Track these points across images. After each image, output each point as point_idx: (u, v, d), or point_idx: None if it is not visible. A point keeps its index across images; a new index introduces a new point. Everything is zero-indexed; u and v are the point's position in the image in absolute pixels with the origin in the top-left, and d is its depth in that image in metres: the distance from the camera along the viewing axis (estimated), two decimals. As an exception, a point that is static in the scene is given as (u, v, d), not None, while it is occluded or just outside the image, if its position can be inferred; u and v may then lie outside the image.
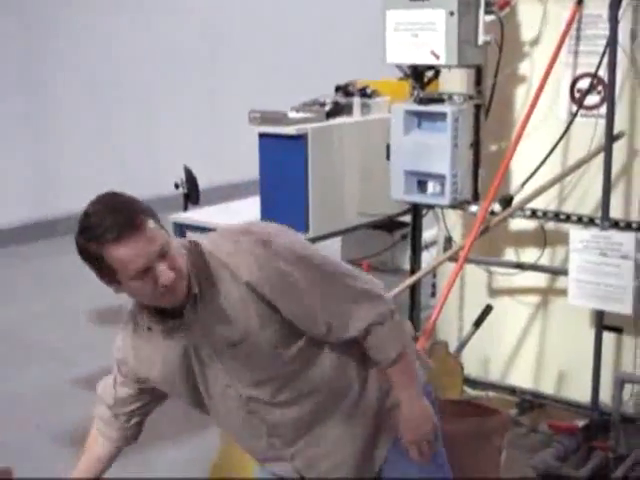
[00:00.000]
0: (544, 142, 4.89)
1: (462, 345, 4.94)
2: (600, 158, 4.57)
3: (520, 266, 5.14)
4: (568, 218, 4.85)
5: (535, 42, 5.04)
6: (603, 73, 4.64)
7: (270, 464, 2.90)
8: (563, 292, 4.75)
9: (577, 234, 4.56)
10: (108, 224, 2.34)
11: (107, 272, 2.40)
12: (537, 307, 5.27)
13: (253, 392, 2.68)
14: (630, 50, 4.67)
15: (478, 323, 4.85)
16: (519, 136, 4.75)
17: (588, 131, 4.74)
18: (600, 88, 4.75)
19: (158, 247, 2.39)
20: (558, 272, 4.99)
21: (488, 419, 4.00)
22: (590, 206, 4.81)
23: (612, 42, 4.48)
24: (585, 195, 4.88)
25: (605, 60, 4.56)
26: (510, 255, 5.31)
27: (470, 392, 5.39)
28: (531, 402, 5.25)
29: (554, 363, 5.23)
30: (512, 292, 5.34)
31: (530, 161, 4.90)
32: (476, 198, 5.11)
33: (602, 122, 4.57)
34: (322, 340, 2.68)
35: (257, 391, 2.68)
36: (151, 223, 2.39)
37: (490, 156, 5.18)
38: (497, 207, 4.88)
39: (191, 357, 2.64)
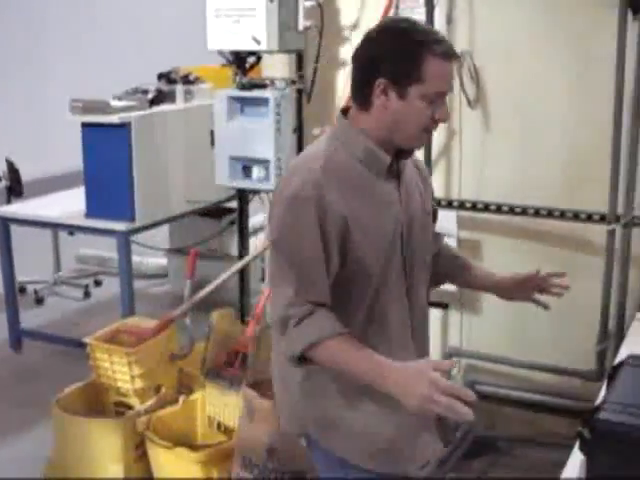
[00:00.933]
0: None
1: (292, 328, 4.98)
2: (421, 139, 4.69)
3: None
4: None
5: (355, 27, 5.11)
6: (420, 56, 4.74)
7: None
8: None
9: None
10: (446, 41, 2.38)
11: (411, 77, 2.34)
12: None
13: (417, 271, 2.61)
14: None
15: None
16: (341, 120, 4.81)
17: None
18: (418, 71, 4.86)
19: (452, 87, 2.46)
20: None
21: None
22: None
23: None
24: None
25: (421, 44, 4.66)
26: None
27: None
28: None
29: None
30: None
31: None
32: (301, 182, 5.15)
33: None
34: None
35: (419, 273, 2.63)
36: None
37: (314, 140, 5.21)
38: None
39: (402, 212, 2.53)
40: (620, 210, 4.39)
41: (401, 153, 2.49)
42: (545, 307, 2.78)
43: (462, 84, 4.70)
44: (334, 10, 5.13)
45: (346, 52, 5.15)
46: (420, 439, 2.59)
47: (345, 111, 2.52)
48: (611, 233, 4.38)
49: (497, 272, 2.91)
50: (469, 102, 4.72)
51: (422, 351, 2.65)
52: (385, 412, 2.47)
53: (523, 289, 2.81)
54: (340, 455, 2.52)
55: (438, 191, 4.70)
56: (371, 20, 4.83)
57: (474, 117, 4.77)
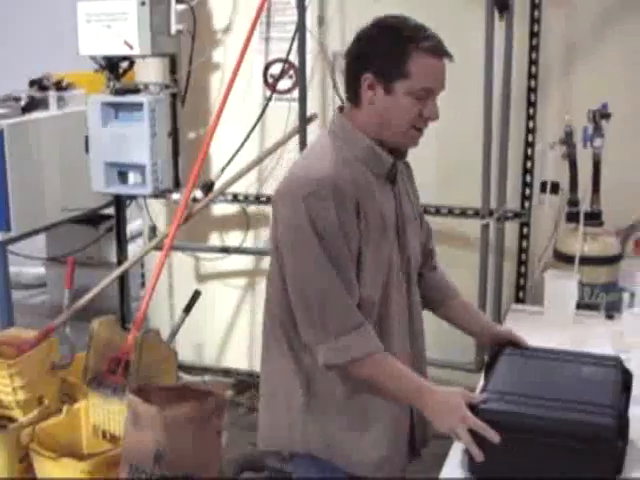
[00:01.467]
0: (241, 127, 5.00)
1: (174, 332, 4.97)
2: (296, 140, 4.72)
3: (225, 250, 5.24)
4: (269, 200, 4.98)
5: (227, 30, 5.13)
6: (294, 58, 4.78)
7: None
8: (269, 272, 4.88)
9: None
10: (436, 37, 2.40)
11: (396, 72, 2.33)
12: (245, 289, 5.39)
13: (413, 271, 2.62)
14: (318, 35, 4.84)
15: (188, 309, 4.88)
16: (216, 123, 4.82)
17: (283, 114, 4.89)
18: (292, 72, 4.91)
19: (444, 84, 2.42)
20: (263, 253, 5.11)
21: (205, 402, 4.05)
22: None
23: (301, 28, 4.62)
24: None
25: (295, 45, 4.70)
26: (215, 240, 5.40)
27: (186, 378, 5.44)
28: (247, 382, 5.38)
29: (266, 342, 5.35)
30: (220, 276, 5.43)
31: (229, 147, 5.00)
32: (177, 186, 5.16)
33: (295, 105, 4.71)
34: None
35: (414, 272, 2.64)
36: None
37: (189, 144, 5.24)
38: (199, 193, 4.94)
39: (399, 216, 2.54)
40: (493, 204, 4.50)
41: (397, 154, 2.48)
42: None
43: (335, 85, 4.75)
44: (206, 13, 5.13)
45: (219, 55, 5.17)
46: (405, 452, 2.64)
47: (341, 110, 2.51)
48: (485, 227, 4.48)
49: (492, 324, 2.89)
50: (342, 103, 4.77)
51: (420, 348, 2.75)
52: (383, 429, 2.52)
53: None
54: (348, 470, 2.52)
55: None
56: (244, 22, 4.87)
57: (348, 117, 4.82)
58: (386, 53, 2.34)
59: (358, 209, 2.33)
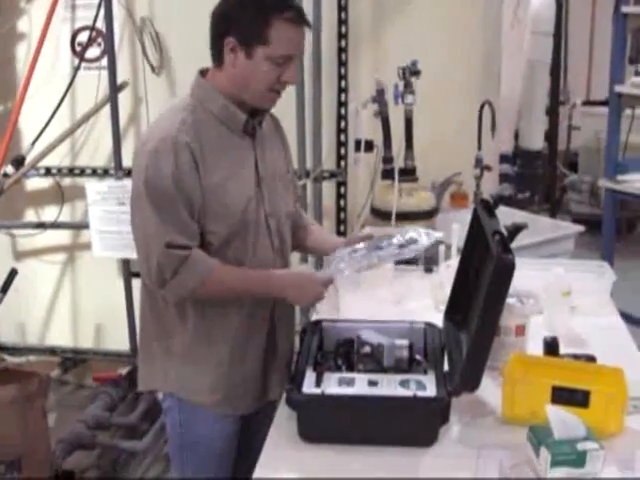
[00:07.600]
0: (51, 98, 4.84)
1: (-7, 314, 4.84)
2: (108, 109, 4.62)
3: (42, 225, 5.09)
4: (83, 172, 4.91)
5: (31, -2, 4.98)
6: (101, 25, 4.67)
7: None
8: (88, 246, 4.78)
9: (93, 187, 4.60)
10: (297, 6, 2.49)
11: (257, 38, 2.42)
12: (65, 264, 5.28)
13: (278, 222, 2.71)
14: (125, 1, 4.74)
15: (4, 289, 4.75)
16: (23, 95, 4.67)
17: (93, 83, 4.77)
18: (100, 40, 4.80)
19: (304, 50, 2.57)
20: (80, 227, 5.01)
21: (26, 383, 3.98)
22: (103, 158, 4.89)
23: (105, -6, 4.52)
24: (97, 147, 4.93)
25: (102, 12, 4.59)
26: (31, 216, 5.25)
27: (10, 359, 5.31)
28: (73, 359, 5.29)
29: (89, 317, 5.29)
30: (38, 253, 5.30)
31: (39, 119, 4.84)
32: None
33: (106, 73, 4.60)
34: None
35: (283, 228, 2.74)
36: None
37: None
38: (10, 169, 4.78)
39: (259, 169, 2.63)
40: (309, 165, 4.52)
41: (256, 112, 2.59)
42: None
43: (144, 51, 4.68)
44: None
45: (24, 25, 5.01)
46: (269, 380, 2.75)
47: (205, 72, 2.59)
48: (302, 187, 4.50)
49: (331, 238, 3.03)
50: (153, 69, 4.72)
51: None
52: (234, 362, 2.65)
53: None
54: (200, 404, 2.67)
55: (127, 161, 4.67)
56: (46, -10, 4.73)
57: (159, 84, 4.77)
58: (248, 19, 2.43)
59: (197, 164, 2.44)
